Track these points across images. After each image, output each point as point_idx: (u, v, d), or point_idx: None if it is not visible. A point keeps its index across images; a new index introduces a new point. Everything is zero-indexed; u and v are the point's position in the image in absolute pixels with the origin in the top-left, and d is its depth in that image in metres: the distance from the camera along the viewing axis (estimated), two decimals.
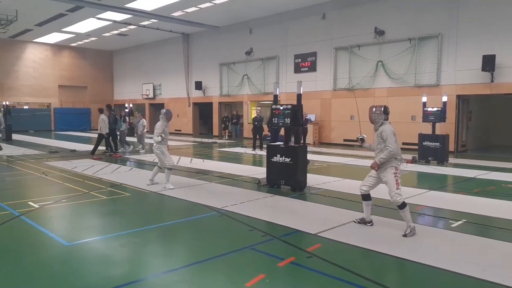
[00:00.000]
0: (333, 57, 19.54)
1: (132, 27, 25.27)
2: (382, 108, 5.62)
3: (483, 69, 14.42)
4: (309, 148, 12.97)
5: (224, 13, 21.75)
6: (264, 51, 22.71)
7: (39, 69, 31.77)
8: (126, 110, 18.98)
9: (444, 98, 13.35)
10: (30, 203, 7.15)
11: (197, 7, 20.38)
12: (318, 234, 5.40)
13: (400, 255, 4.64)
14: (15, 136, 23.06)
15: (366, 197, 5.76)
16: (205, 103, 27.30)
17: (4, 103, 24.24)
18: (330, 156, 14.97)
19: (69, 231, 5.79)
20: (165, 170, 8.62)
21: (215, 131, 26.99)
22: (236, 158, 14.71)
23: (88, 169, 11.31)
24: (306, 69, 20.78)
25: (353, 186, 8.20)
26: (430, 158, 12.85)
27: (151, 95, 30.82)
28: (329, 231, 5.53)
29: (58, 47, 32.21)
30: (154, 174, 8.91)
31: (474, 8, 15.14)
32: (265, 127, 17.62)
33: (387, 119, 5.65)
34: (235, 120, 23.54)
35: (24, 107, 31.43)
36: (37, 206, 6.93)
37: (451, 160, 13.44)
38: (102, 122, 14.07)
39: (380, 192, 6.26)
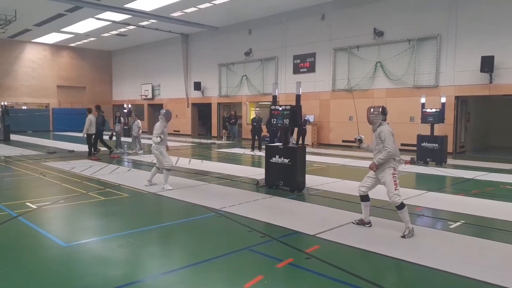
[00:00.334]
0: (332, 58, 19.55)
1: (131, 27, 25.25)
2: (380, 109, 5.62)
3: (482, 70, 14.44)
4: (308, 149, 12.96)
5: (223, 14, 21.74)
6: (263, 52, 22.71)
7: (38, 69, 31.71)
8: (125, 110, 18.92)
9: (443, 99, 13.36)
10: (28, 204, 7.12)
11: (196, 8, 20.38)
12: (316, 235, 5.39)
13: (399, 256, 4.64)
14: (13, 137, 23.00)
15: (365, 198, 5.76)
16: (204, 103, 27.29)
17: (2, 103, 24.21)
18: (329, 157, 14.97)
19: (67, 232, 5.77)
20: (163, 171, 8.60)
21: (214, 132, 26.98)
22: (234, 159, 14.70)
23: (86, 169, 11.28)
24: (305, 70, 20.79)
25: (351, 187, 8.19)
26: (428, 159, 12.86)
27: (150, 96, 30.80)
28: (328, 232, 5.52)
29: (57, 47, 32.16)
30: (153, 175, 8.88)
31: (473, 9, 15.17)
32: (264, 127, 17.61)
33: (385, 120, 5.66)
34: (233, 121, 23.48)
35: (23, 107, 31.35)
36: (35, 207, 6.91)
37: (450, 161, 13.45)
38: (88, 122, 14.11)
39: (379, 193, 6.26)
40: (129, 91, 33.42)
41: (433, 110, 12.88)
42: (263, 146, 13.44)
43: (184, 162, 13.22)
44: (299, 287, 3.88)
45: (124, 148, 16.19)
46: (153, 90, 30.74)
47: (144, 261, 4.60)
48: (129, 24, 24.50)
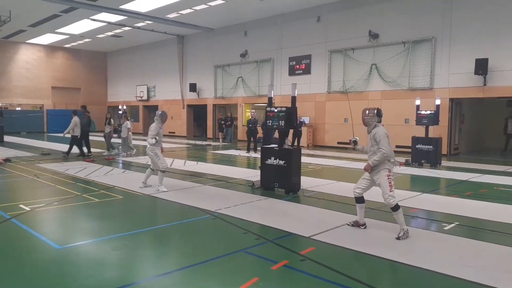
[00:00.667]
0: (327, 60, 19.60)
1: (126, 28, 25.18)
2: (375, 111, 5.65)
3: (476, 73, 14.53)
4: (303, 151, 12.98)
5: (219, 15, 21.75)
6: (259, 54, 22.73)
7: (32, 70, 31.52)
8: (120, 111, 18.79)
9: (438, 101, 13.43)
10: (21, 205, 7.06)
11: (192, 9, 20.36)
12: (311, 237, 5.39)
13: (394, 258, 4.64)
14: (7, 138, 22.84)
15: (360, 199, 5.77)
16: (200, 105, 27.25)
17: None
18: (324, 159, 14.98)
19: (60, 234, 5.73)
20: (158, 172, 8.57)
21: (210, 134, 26.93)
22: (230, 161, 14.68)
23: (81, 171, 11.22)
24: (301, 71, 20.82)
25: (346, 189, 8.21)
26: (423, 161, 12.91)
27: (145, 97, 30.72)
28: (323, 234, 5.52)
29: (52, 48, 32.00)
30: (147, 177, 8.84)
31: (468, 12, 15.28)
32: (259, 129, 17.61)
33: (380, 122, 5.68)
34: (229, 122, 23.47)
35: (17, 108, 31.14)
36: (28, 209, 6.85)
37: (444, 163, 13.51)
38: (72, 123, 14.21)
39: (374, 195, 6.27)
40: (124, 93, 33.30)
41: (428, 112, 12.93)
42: (259, 148, 13.45)
43: (179, 164, 13.18)
44: None
45: (119, 149, 16.08)
46: (148, 91, 30.66)
47: (139, 264, 4.57)
48: (125, 25, 24.44)
